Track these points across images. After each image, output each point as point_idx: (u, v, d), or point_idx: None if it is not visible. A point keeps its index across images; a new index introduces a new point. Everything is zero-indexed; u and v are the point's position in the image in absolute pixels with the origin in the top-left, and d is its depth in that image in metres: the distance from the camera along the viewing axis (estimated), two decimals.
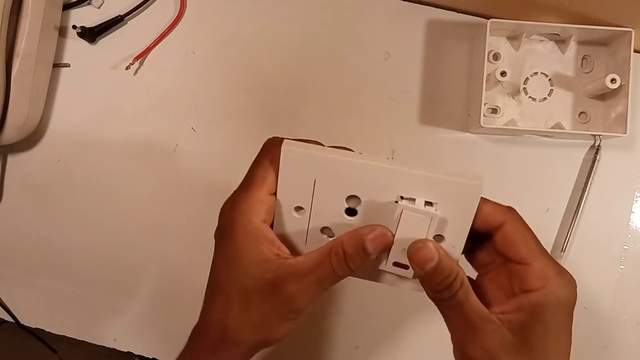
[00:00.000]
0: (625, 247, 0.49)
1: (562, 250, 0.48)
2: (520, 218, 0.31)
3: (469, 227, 0.30)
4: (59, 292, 0.53)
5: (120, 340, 0.52)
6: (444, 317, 0.30)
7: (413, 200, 0.30)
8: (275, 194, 0.31)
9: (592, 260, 0.49)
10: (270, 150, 0.32)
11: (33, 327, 0.53)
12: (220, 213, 0.32)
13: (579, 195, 0.49)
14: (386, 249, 0.30)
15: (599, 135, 0.47)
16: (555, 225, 0.49)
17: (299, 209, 0.32)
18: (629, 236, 0.49)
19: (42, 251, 0.53)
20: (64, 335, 0.52)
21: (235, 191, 0.32)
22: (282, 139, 0.31)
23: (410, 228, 0.30)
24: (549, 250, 0.49)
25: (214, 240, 0.32)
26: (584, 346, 0.49)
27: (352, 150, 0.32)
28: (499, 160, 0.50)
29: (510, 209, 0.31)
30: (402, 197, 0.30)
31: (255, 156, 0.32)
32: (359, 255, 0.30)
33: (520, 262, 0.29)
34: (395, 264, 0.31)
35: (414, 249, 0.29)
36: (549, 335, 0.28)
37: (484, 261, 0.32)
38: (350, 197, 0.31)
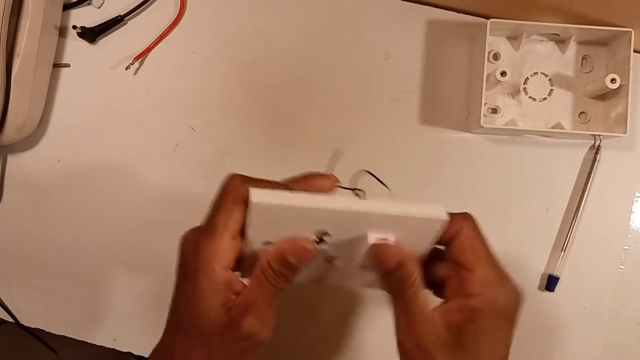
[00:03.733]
0: (625, 247, 0.49)
1: (562, 250, 0.48)
2: (474, 225, 0.32)
3: (431, 246, 0.33)
4: (59, 292, 0.53)
5: (120, 340, 0.52)
6: (392, 308, 0.32)
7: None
8: (240, 233, 0.32)
9: (592, 260, 0.49)
10: (232, 191, 0.32)
11: (33, 327, 0.53)
12: (182, 250, 0.33)
13: (579, 195, 0.49)
14: (310, 258, 0.32)
15: (599, 135, 0.47)
16: (555, 225, 0.49)
17: (268, 243, 0.33)
18: (629, 236, 0.49)
19: (42, 251, 0.53)
20: (64, 335, 0.52)
21: (198, 232, 0.32)
22: (244, 179, 0.32)
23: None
24: (548, 250, 0.50)
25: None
26: (584, 346, 0.49)
27: (325, 175, 0.34)
28: (499, 160, 0.50)
29: (464, 216, 0.32)
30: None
31: (216, 194, 0.33)
32: (286, 269, 0.31)
33: (467, 269, 0.31)
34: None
35: (380, 250, 0.31)
36: (482, 338, 0.30)
37: (444, 270, 0.33)
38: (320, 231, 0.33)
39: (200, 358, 0.32)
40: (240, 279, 0.33)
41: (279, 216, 0.31)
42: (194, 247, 0.32)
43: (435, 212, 0.30)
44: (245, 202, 0.32)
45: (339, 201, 0.31)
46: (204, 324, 0.32)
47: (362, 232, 0.32)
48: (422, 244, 0.32)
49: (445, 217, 0.30)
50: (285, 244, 0.32)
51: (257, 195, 0.30)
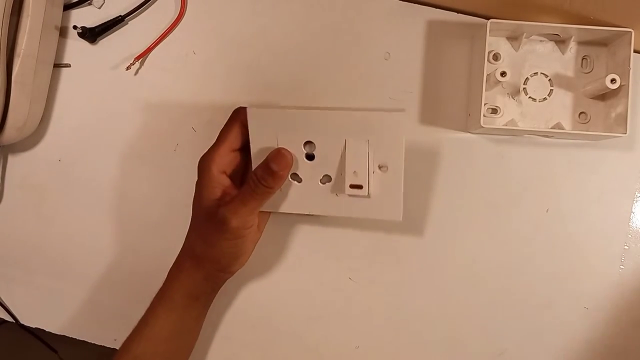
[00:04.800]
0: (626, 247, 0.49)
1: None
2: None
3: (403, 151, 0.39)
4: (59, 292, 0.53)
5: (120, 340, 0.51)
6: None
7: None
8: (238, 149, 0.43)
9: (592, 260, 0.49)
10: (233, 115, 0.43)
11: (33, 327, 0.53)
12: (199, 161, 0.43)
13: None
14: (289, 166, 0.40)
15: (599, 135, 0.47)
16: (555, 226, 0.49)
17: None
18: (629, 236, 0.49)
19: (42, 251, 0.53)
20: (64, 335, 0.52)
21: (208, 148, 0.43)
22: (246, 107, 0.42)
23: (356, 153, 0.39)
24: (548, 250, 0.49)
25: None
26: (585, 346, 0.49)
27: None
28: (499, 160, 0.50)
29: None
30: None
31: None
32: (268, 174, 0.39)
33: None
34: (352, 186, 0.40)
35: None
36: None
37: None
38: (307, 144, 0.40)
39: (194, 235, 0.44)
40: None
41: (270, 125, 0.40)
42: (203, 155, 0.43)
43: (394, 110, 0.38)
44: (245, 124, 0.41)
45: (321, 107, 0.40)
46: (199, 211, 0.43)
47: (341, 140, 0.39)
48: (394, 147, 0.39)
49: (402, 110, 0.38)
50: (270, 153, 0.40)
51: (252, 108, 0.41)
